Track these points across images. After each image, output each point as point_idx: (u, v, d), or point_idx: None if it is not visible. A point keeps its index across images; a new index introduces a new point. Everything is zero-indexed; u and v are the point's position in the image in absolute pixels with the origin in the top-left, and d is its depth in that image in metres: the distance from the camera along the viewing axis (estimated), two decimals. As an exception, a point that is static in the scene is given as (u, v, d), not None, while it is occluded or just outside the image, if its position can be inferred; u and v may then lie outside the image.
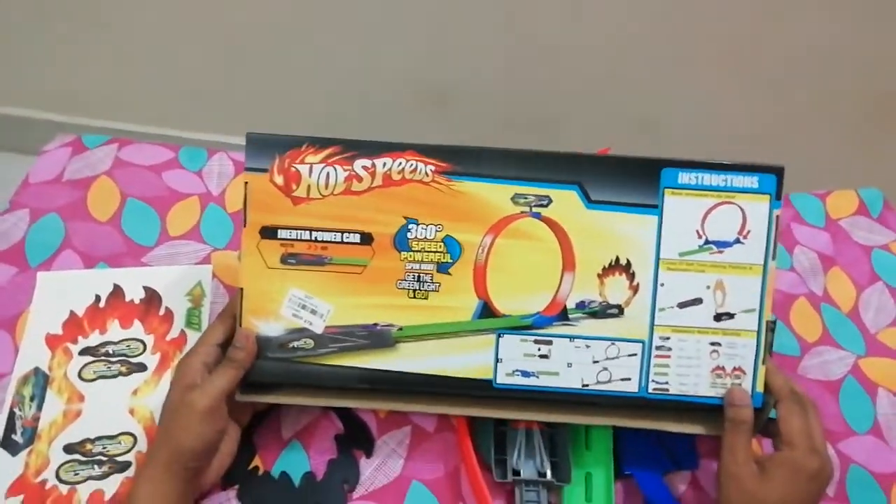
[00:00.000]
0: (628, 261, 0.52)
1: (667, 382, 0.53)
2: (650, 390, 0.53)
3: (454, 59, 1.23)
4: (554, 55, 1.20)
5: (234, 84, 1.34)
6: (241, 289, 0.53)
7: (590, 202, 0.52)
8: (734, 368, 0.53)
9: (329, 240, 0.52)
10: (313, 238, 0.52)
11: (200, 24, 1.26)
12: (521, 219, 0.52)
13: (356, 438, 0.55)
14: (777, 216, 0.52)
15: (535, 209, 0.52)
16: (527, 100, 1.27)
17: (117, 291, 0.63)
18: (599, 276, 0.52)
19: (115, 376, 0.59)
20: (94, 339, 0.61)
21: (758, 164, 0.52)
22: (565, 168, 0.52)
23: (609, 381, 0.53)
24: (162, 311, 0.63)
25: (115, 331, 0.61)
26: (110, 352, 0.60)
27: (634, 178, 0.52)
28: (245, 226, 0.52)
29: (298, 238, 0.52)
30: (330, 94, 1.32)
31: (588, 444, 0.56)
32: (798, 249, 0.71)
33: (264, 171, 0.52)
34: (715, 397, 0.53)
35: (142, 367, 0.60)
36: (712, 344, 0.53)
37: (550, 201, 0.52)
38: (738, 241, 0.52)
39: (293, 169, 0.52)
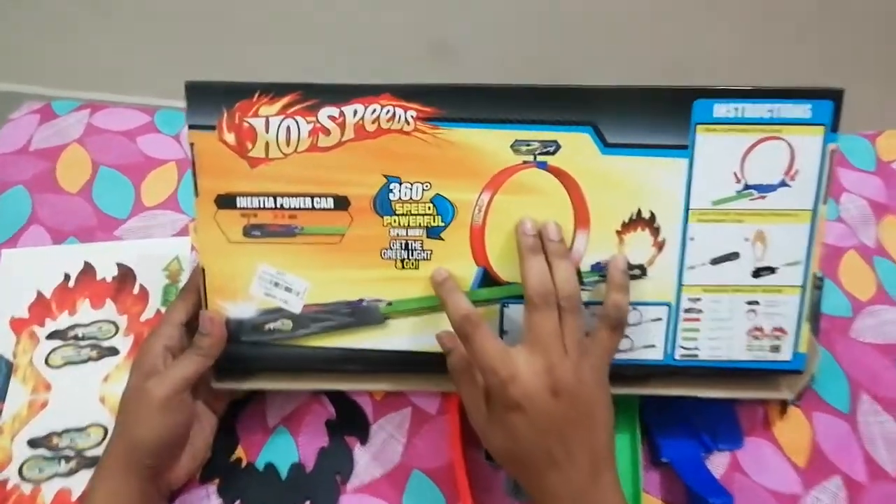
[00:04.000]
0: (652, 213, 0.44)
1: (696, 348, 0.46)
2: (677, 357, 0.46)
3: (458, 5, 1.06)
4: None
5: (220, 41, 1.18)
6: (202, 267, 0.45)
7: (606, 146, 0.43)
8: (774, 329, 0.46)
9: (298, 206, 0.44)
10: (279, 205, 0.44)
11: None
12: (523, 170, 0.43)
13: (350, 423, 0.50)
14: (832, 151, 0.43)
15: (539, 157, 0.43)
16: (538, 47, 1.11)
17: (88, 269, 0.58)
18: (618, 232, 0.44)
19: (84, 361, 0.54)
20: (62, 321, 0.55)
21: (810, 87, 0.43)
22: (575, 105, 0.43)
23: (631, 349, 0.46)
24: (136, 290, 0.57)
25: (85, 312, 0.56)
26: (80, 335, 0.55)
27: (660, 114, 0.43)
28: (196, 195, 0.44)
29: (261, 206, 0.44)
30: (323, 50, 1.16)
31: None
32: (845, 197, 0.62)
33: (211, 128, 0.43)
34: (752, 361, 0.46)
35: (113, 352, 0.54)
36: (749, 303, 0.45)
37: (558, 147, 0.43)
38: (783, 183, 0.44)
39: (246, 124, 0.43)
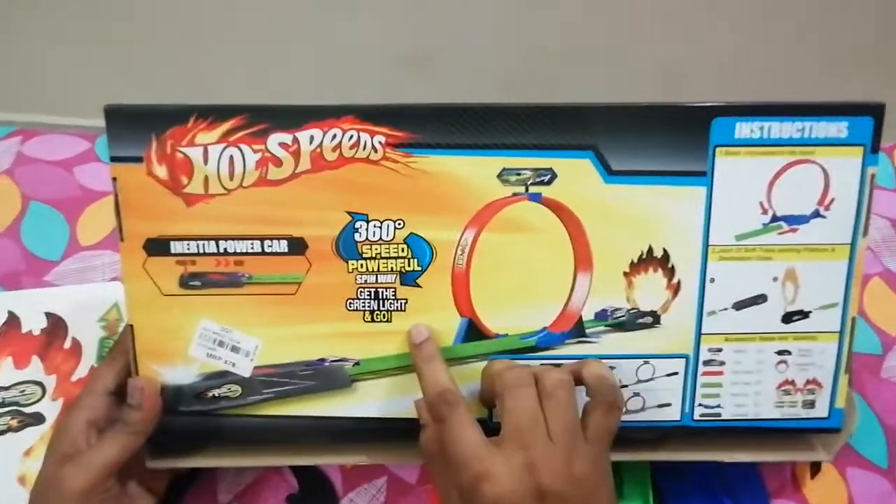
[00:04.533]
0: (665, 252, 0.37)
1: (718, 406, 0.40)
2: (696, 417, 0.40)
3: (438, 15, 0.99)
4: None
5: (173, 57, 1.08)
6: (130, 325, 0.37)
7: (610, 174, 0.36)
8: (808, 382, 0.40)
9: (245, 251, 0.37)
10: (222, 250, 0.37)
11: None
12: (513, 203, 0.37)
13: (315, 498, 0.43)
14: (872, 176, 0.37)
15: (532, 188, 0.37)
16: (525, 57, 1.03)
17: (12, 321, 0.50)
18: (626, 274, 0.38)
19: (2, 433, 0.46)
20: (-22, 385, 0.47)
21: (845, 102, 0.36)
22: (573, 126, 0.36)
23: (642, 409, 0.40)
24: (68, 344, 0.50)
25: (6, 373, 0.48)
26: (-1, 401, 0.47)
27: (673, 136, 0.36)
28: (121, 240, 0.37)
29: (201, 251, 0.37)
30: (291, 63, 1.08)
31: (620, 492, 0.43)
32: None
33: (138, 160, 0.36)
34: (782, 420, 0.40)
35: (38, 419, 0.47)
36: (779, 353, 0.39)
37: (554, 176, 0.36)
38: (816, 213, 0.37)
39: (180, 154, 0.36)
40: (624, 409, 0.36)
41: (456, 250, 0.37)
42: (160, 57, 1.09)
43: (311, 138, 0.36)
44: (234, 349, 0.38)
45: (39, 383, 0.48)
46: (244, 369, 0.38)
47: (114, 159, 0.36)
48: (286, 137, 0.36)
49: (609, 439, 0.34)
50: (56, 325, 0.50)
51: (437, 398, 0.34)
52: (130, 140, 0.36)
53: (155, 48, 1.08)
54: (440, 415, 0.34)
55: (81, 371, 0.48)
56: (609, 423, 0.34)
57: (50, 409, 0.47)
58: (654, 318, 0.38)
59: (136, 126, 0.35)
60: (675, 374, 0.39)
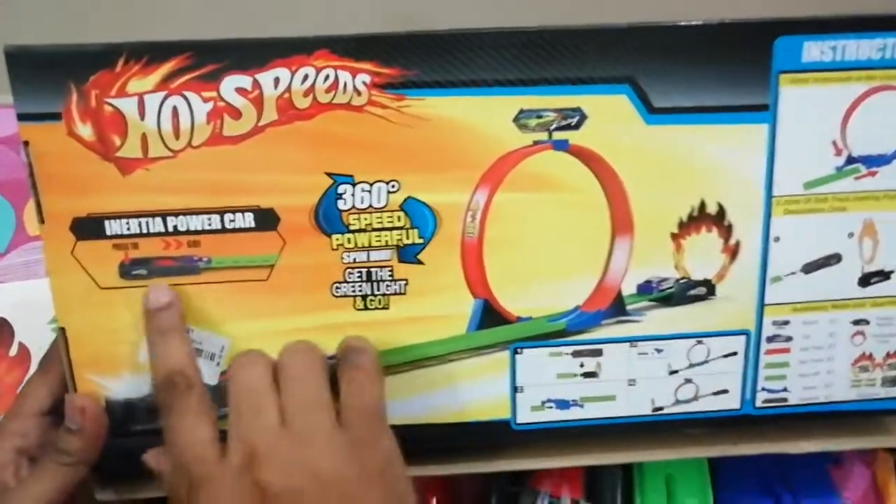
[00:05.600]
0: (720, 207, 0.30)
1: (784, 389, 0.33)
2: (759, 403, 0.33)
3: None
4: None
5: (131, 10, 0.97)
6: (62, 328, 0.30)
7: (651, 112, 0.29)
8: (888, 355, 0.33)
9: (200, 228, 0.29)
10: (170, 228, 0.29)
11: None
12: (534, 154, 0.29)
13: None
14: (968, 102, 0.30)
15: (557, 134, 0.29)
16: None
17: None
18: (674, 236, 0.31)
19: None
20: None
21: (935, 11, 0.30)
22: (605, 54, 0.29)
23: (695, 397, 0.33)
24: (13, 350, 0.43)
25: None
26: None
27: (727, 61, 0.29)
28: (41, 221, 0.29)
29: (144, 231, 0.29)
30: (265, 20, 0.97)
31: (671, 495, 0.37)
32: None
33: (55, 117, 0.28)
34: (859, 401, 0.33)
35: None
36: (856, 322, 0.33)
37: (583, 117, 0.29)
38: (901, 151, 0.31)
39: (109, 107, 0.28)
40: (379, 374, 0.27)
41: (465, 216, 0.30)
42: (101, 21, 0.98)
43: (277, 81, 0.28)
44: (196, 352, 0.30)
45: (-25, 399, 0.41)
46: (210, 376, 0.31)
47: (22, 117, 0.28)
48: (244, 80, 0.28)
49: (375, 422, 0.27)
50: (0, 329, 0.43)
51: (164, 381, 0.27)
52: (43, 92, 0.28)
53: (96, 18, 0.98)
54: (166, 403, 0.27)
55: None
56: (363, 397, 0.27)
57: (-15, 429, 0.40)
58: (709, 289, 0.32)
59: (49, 73, 0.28)
60: (734, 354, 0.33)
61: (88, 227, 0.29)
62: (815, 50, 0.30)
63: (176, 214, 0.29)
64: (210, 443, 0.26)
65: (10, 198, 0.48)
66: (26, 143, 0.28)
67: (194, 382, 0.27)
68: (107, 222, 0.29)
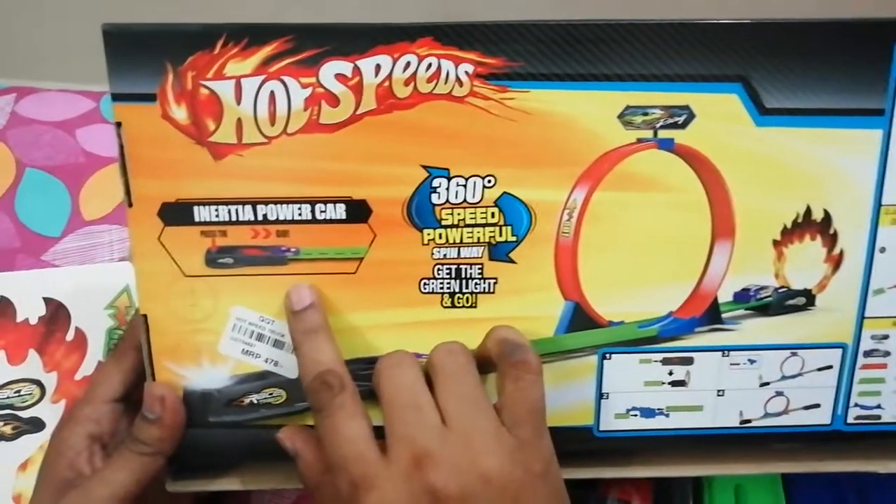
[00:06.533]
0: (827, 214, 0.29)
1: (878, 406, 0.32)
2: (850, 420, 0.32)
3: None
4: None
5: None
6: (144, 315, 0.29)
7: (763, 113, 0.28)
8: None
9: (290, 217, 0.28)
10: (260, 217, 0.28)
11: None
12: (638, 152, 0.28)
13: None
14: None
15: (662, 133, 0.28)
16: None
17: (5, 308, 0.43)
18: (777, 243, 0.29)
19: (-5, 441, 0.39)
20: (-35, 383, 0.41)
21: None
22: (718, 51, 0.27)
23: (785, 411, 0.32)
24: (70, 335, 0.42)
25: (-1, 368, 0.41)
26: (-9, 402, 0.40)
27: (843, 63, 0.28)
28: (129, 205, 0.28)
29: (233, 219, 0.28)
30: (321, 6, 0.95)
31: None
32: None
33: (149, 98, 0.27)
34: (955, 422, 0.32)
35: (37, 425, 0.40)
36: (959, 340, 0.31)
37: (691, 116, 0.28)
38: None
39: (205, 90, 0.27)
40: (541, 371, 0.27)
41: (561, 215, 0.29)
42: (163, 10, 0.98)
43: (378, 68, 0.27)
44: (277, 344, 0.30)
45: (38, 382, 0.41)
46: (289, 369, 0.30)
47: (117, 97, 0.27)
48: (345, 67, 0.27)
49: (537, 420, 0.26)
50: (56, 313, 0.43)
51: (315, 381, 0.26)
52: (139, 72, 0.27)
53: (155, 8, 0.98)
54: (319, 403, 0.26)
55: (87, 368, 0.42)
56: (527, 395, 0.26)
57: (50, 413, 0.40)
58: (808, 299, 0.30)
59: (146, 53, 0.27)
60: (829, 367, 0.31)
61: (177, 213, 0.28)
62: (938, 53, 0.28)
63: (266, 203, 0.28)
64: (368, 441, 0.25)
65: (66, 182, 0.48)
66: (118, 124, 0.27)
67: (346, 381, 0.27)
68: (196, 208, 0.28)
